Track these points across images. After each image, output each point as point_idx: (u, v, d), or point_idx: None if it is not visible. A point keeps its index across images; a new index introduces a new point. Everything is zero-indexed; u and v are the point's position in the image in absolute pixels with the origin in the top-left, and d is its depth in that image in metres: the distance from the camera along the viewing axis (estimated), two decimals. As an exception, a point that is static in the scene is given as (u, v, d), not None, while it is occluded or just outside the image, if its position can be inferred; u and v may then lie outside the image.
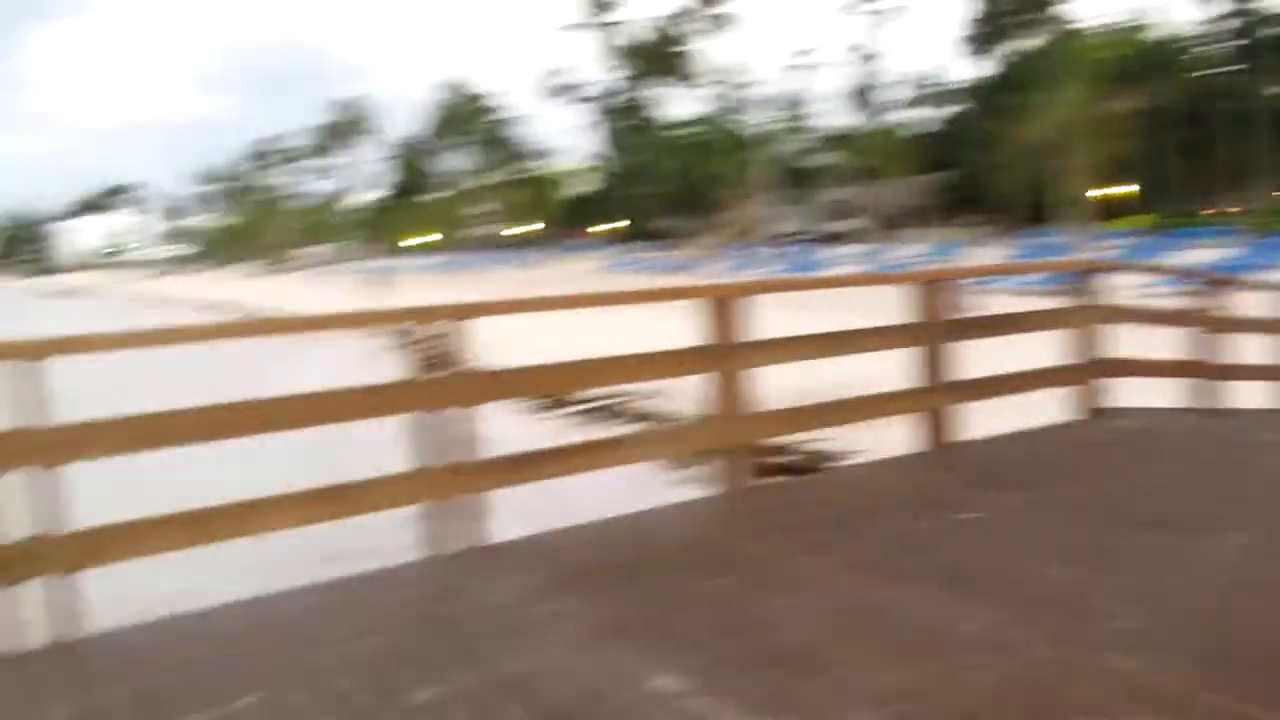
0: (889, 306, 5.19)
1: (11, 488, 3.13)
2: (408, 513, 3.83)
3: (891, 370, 5.18)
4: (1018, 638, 2.78)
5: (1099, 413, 5.76)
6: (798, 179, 57.29)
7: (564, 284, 39.78)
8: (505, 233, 73.43)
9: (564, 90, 63.95)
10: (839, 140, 55.11)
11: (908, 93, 54.58)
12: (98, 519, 3.31)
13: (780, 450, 8.59)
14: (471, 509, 3.86)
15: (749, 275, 37.90)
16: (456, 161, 76.79)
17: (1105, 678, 2.52)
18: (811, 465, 8.37)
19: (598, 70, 64.63)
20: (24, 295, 79.47)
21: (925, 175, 49.74)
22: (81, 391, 3.62)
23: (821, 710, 2.45)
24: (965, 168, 47.27)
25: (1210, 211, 41.54)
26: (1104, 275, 5.92)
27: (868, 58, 51.87)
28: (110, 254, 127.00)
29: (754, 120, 56.02)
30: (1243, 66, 42.84)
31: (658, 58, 57.10)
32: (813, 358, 4.78)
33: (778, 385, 4.78)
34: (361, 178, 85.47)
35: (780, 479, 6.05)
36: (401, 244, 75.87)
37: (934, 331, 5.10)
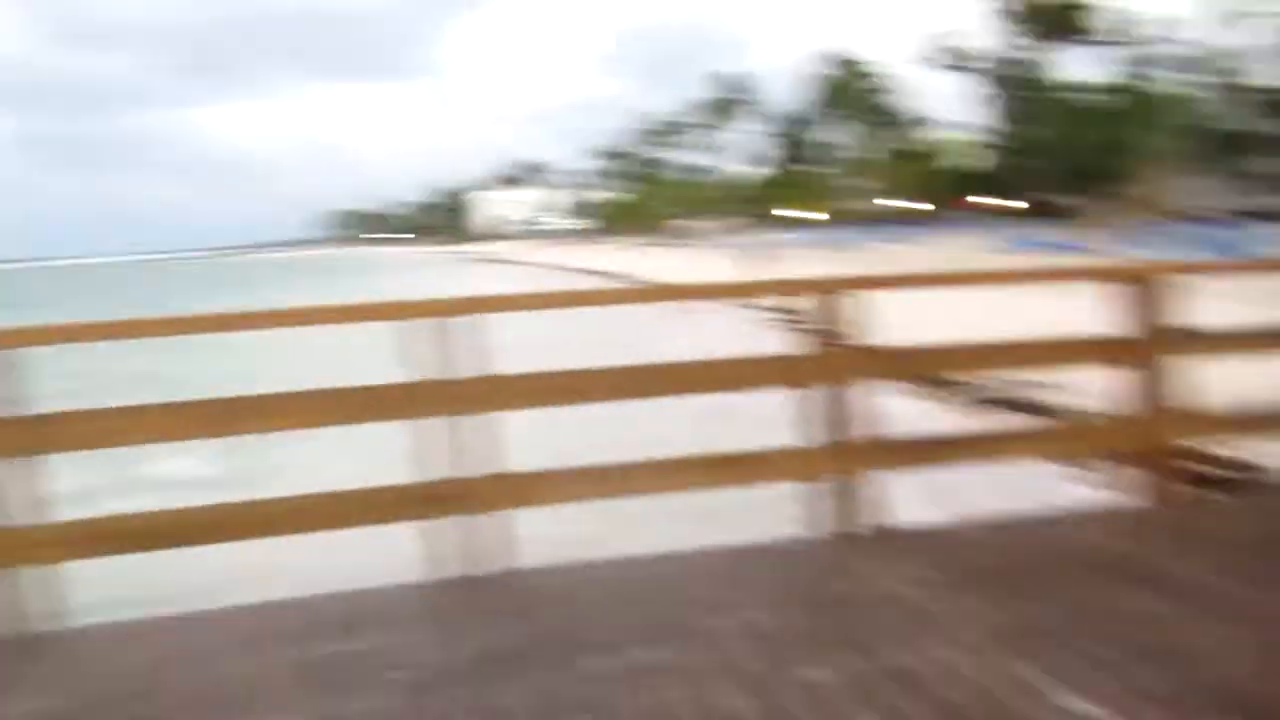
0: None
1: (447, 433, 3.51)
2: (785, 487, 3.85)
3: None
4: None
5: None
6: (1225, 147, 50.64)
7: (957, 263, 38.27)
8: (887, 207, 71.85)
9: (951, 57, 61.07)
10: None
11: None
12: (521, 465, 3.63)
13: (1202, 458, 7.65)
14: (860, 490, 3.79)
15: (1169, 257, 34.20)
16: (838, 135, 76.24)
17: None
18: (1239, 478, 7.37)
19: (988, 35, 60.91)
20: (446, 260, 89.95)
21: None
22: (508, 346, 3.97)
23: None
24: None
25: None
26: None
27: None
28: (519, 225, 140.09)
29: (1170, 81, 50.22)
30: None
31: (1059, 16, 52.80)
32: (1260, 354, 4.18)
33: (1213, 385, 4.23)
34: (744, 152, 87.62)
35: (1210, 492, 5.38)
36: (783, 218, 76.71)
37: None
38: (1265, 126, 49.56)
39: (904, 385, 11.56)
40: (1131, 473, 4.08)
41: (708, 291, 5.10)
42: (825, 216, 74.44)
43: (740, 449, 3.74)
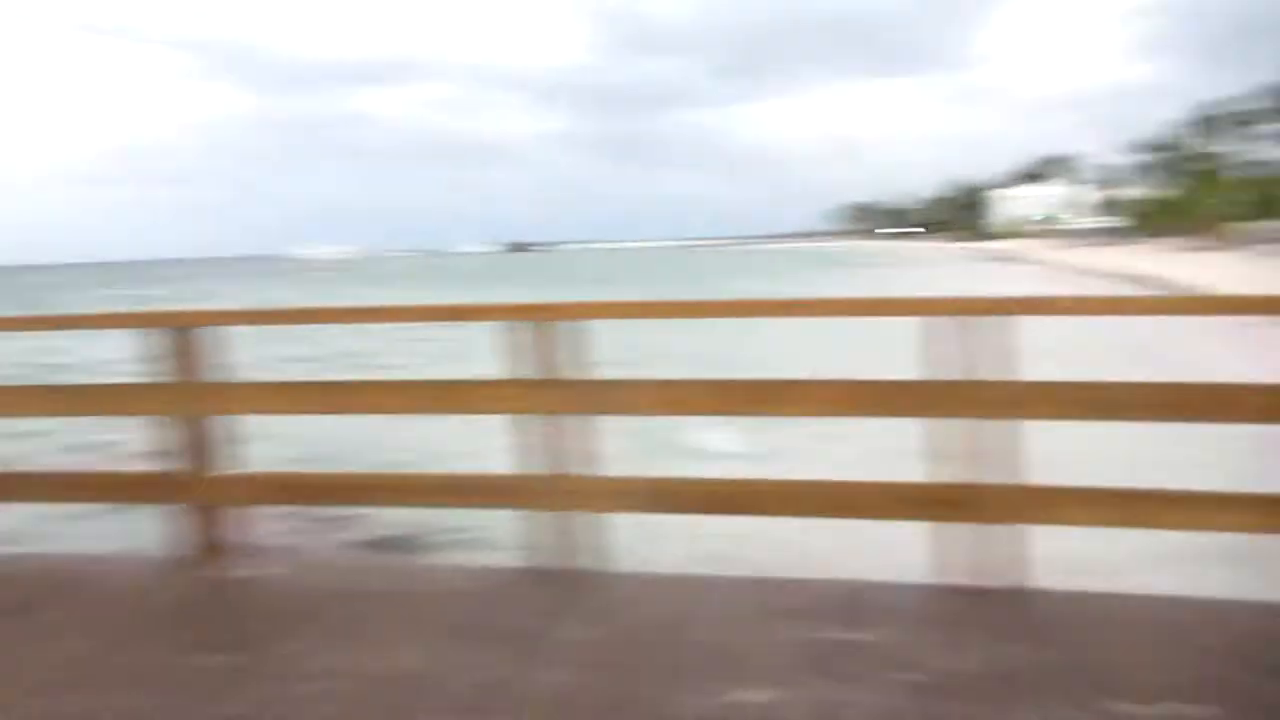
0: None
1: (965, 436, 3.40)
2: None
3: None
4: None
5: None
6: None
7: None
8: None
9: None
10: None
11: None
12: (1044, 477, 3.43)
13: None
14: None
15: None
16: None
17: None
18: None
19: None
20: (960, 257, 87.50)
21: None
22: (1035, 350, 3.75)
23: None
24: None
25: None
26: None
27: None
28: (1040, 223, 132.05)
29: None
30: None
31: None
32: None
33: None
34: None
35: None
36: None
37: None
38: None
39: None
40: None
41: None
42: None
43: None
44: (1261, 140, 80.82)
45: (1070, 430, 3.48)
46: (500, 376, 3.82)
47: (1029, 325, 3.41)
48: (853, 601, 3.37)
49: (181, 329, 4.14)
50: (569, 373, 3.76)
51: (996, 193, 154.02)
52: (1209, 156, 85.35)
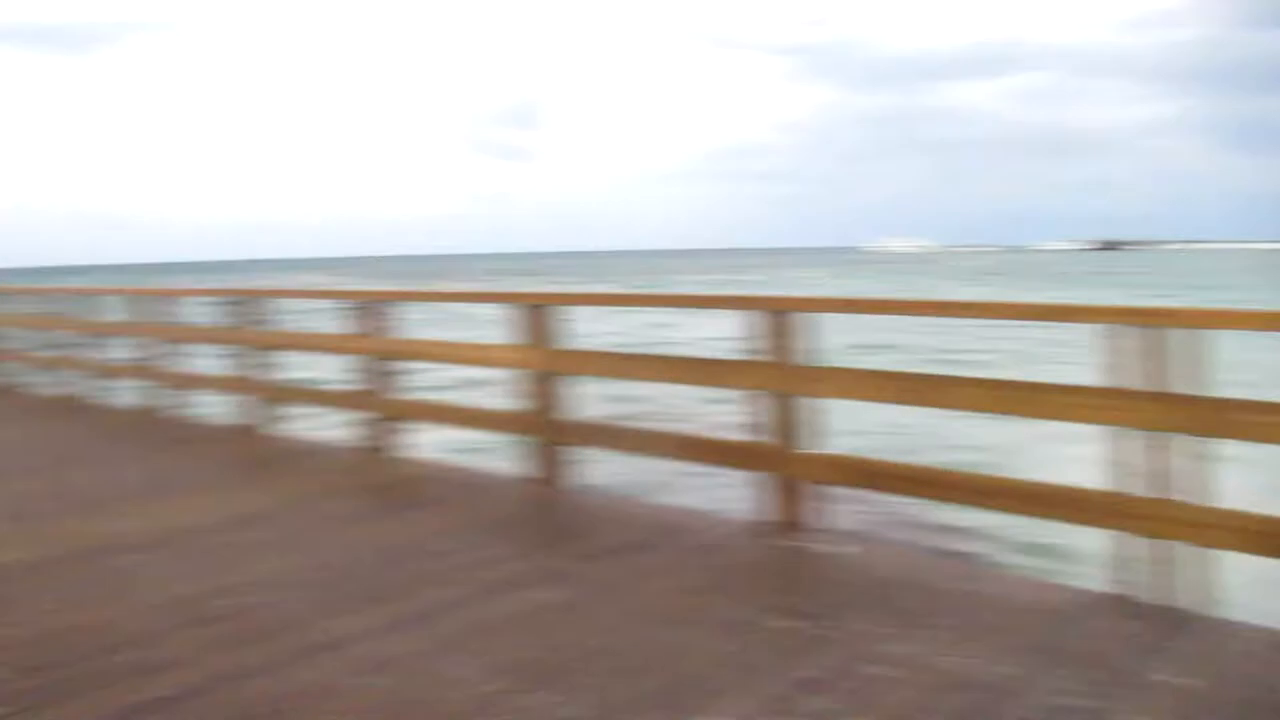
0: None
1: None
2: None
3: None
4: None
5: None
6: None
7: None
8: None
9: None
10: None
11: None
12: None
13: None
14: None
15: None
16: None
17: None
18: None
19: None
20: None
21: None
22: None
23: None
24: None
25: None
26: None
27: None
28: None
29: None
30: None
31: None
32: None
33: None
34: None
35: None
36: None
37: None
38: None
39: None
40: None
41: None
42: None
43: None
44: None
45: None
46: (1097, 384, 3.55)
47: None
48: None
49: (777, 313, 4.46)
50: (1181, 386, 3.37)
51: None
52: None
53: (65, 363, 9.99)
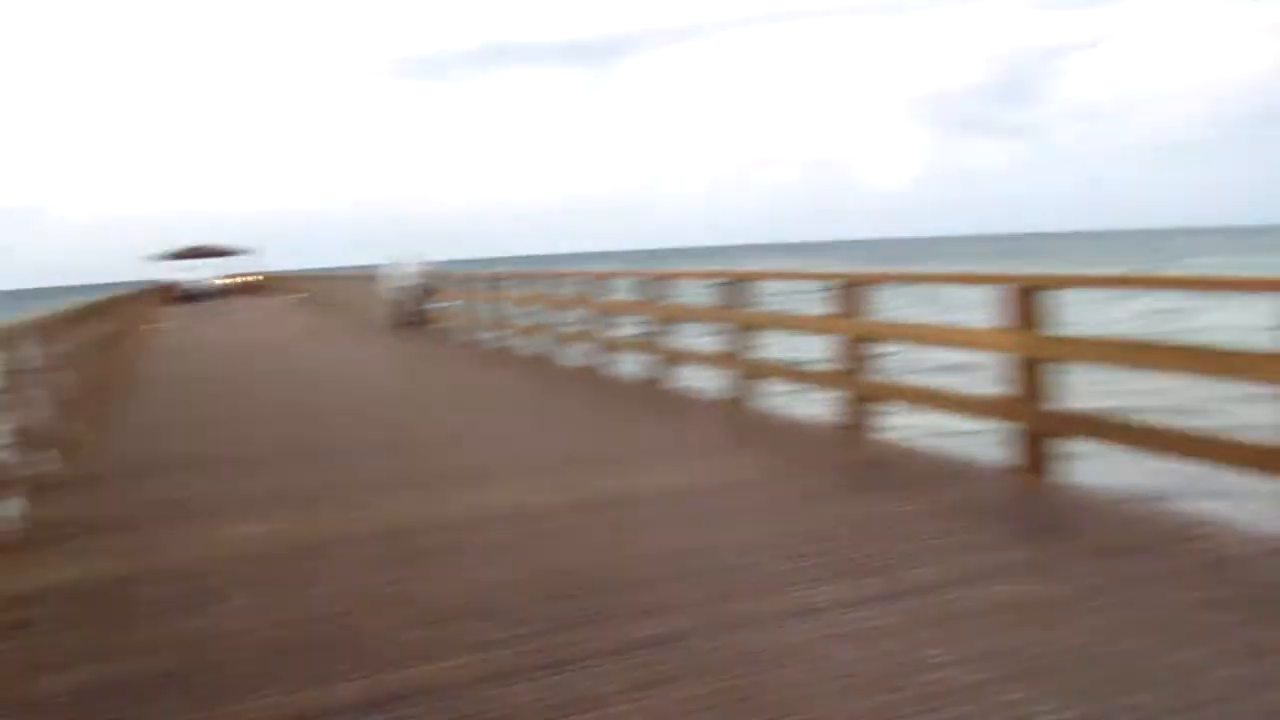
0: None
1: None
2: None
3: None
4: None
5: None
6: None
7: None
8: None
9: None
10: None
11: None
12: None
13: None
14: None
15: None
16: None
17: None
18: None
19: None
20: None
21: None
22: None
23: None
24: None
25: None
26: None
27: None
28: None
29: None
30: None
31: None
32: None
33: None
34: None
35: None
36: None
37: None
38: None
39: None
40: None
41: None
42: None
43: None
44: None
45: None
46: None
47: None
48: None
49: None
50: None
51: None
52: None
53: (584, 337, 11.29)
